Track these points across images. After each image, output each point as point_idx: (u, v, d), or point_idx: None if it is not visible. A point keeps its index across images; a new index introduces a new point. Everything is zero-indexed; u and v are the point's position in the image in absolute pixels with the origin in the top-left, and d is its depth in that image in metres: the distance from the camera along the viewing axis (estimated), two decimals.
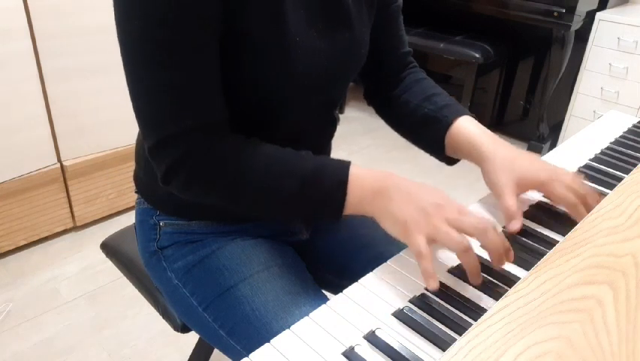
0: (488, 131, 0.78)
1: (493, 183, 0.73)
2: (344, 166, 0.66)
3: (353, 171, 0.66)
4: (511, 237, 0.69)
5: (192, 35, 0.61)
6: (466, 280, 0.61)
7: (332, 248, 0.90)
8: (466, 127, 0.79)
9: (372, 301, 0.58)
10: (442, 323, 0.55)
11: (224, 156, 0.65)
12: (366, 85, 0.94)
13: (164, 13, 0.59)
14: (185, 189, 0.67)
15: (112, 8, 0.64)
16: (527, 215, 0.74)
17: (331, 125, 0.87)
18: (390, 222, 0.63)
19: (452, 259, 0.64)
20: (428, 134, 0.84)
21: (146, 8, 0.59)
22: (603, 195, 0.76)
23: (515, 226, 0.68)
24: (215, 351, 1.19)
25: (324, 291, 0.78)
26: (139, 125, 0.67)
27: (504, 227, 0.71)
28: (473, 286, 0.61)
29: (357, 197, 0.65)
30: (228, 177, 0.66)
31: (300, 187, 0.65)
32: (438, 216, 0.61)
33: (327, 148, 0.90)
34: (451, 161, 0.85)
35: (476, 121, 0.81)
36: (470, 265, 0.59)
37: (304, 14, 0.69)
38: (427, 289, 0.60)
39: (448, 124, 0.80)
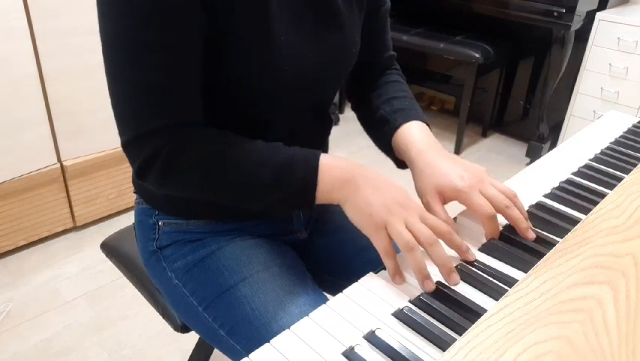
0: (428, 138, 0.77)
1: (417, 190, 0.73)
2: (314, 156, 0.67)
3: (323, 161, 0.66)
4: (511, 237, 0.69)
5: (172, 36, 0.62)
6: (465, 280, 0.61)
7: (331, 249, 0.90)
8: (408, 132, 0.78)
9: (372, 301, 0.58)
10: (442, 323, 0.55)
11: (197, 150, 0.66)
12: (347, 84, 0.94)
13: (144, 14, 0.60)
14: (159, 183, 0.68)
15: None
16: (527, 215, 0.73)
17: (326, 125, 0.87)
18: (355, 212, 0.65)
19: (451, 260, 0.64)
20: (380, 136, 0.85)
21: (127, 8, 0.60)
22: (603, 195, 0.76)
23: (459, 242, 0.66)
24: (215, 351, 1.19)
25: (324, 291, 0.78)
26: (115, 120, 0.67)
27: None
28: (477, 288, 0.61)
29: (328, 186, 0.66)
30: (201, 169, 0.66)
31: (272, 178, 0.65)
32: (398, 215, 0.62)
33: (323, 147, 0.90)
34: (401, 164, 0.83)
35: (425, 127, 0.79)
36: (415, 264, 0.60)
37: (291, 15, 0.69)
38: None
39: (395, 127, 0.80)
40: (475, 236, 0.69)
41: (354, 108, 0.95)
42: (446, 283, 0.60)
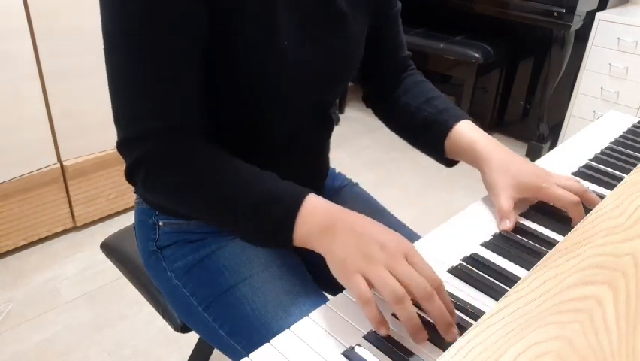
0: (486, 135, 0.80)
1: (491, 185, 0.75)
2: (299, 197, 0.62)
3: (307, 204, 0.61)
4: (511, 236, 0.69)
5: (168, 40, 0.62)
6: (467, 280, 0.61)
7: None
8: (465, 131, 0.80)
9: None
10: None
11: (184, 160, 0.65)
12: (365, 89, 0.95)
13: (140, 17, 0.60)
14: (145, 186, 0.68)
15: None
16: (527, 215, 0.74)
17: (327, 126, 0.88)
18: (332, 261, 0.58)
19: (452, 259, 0.64)
20: (428, 138, 0.85)
21: (124, 10, 0.60)
22: (603, 195, 0.76)
23: (506, 225, 0.70)
24: (215, 351, 1.19)
25: (324, 291, 0.78)
26: (113, 119, 0.67)
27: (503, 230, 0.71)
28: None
29: (305, 231, 0.61)
30: (184, 181, 0.65)
31: (252, 208, 0.62)
32: (377, 259, 0.54)
33: (324, 148, 0.90)
34: (450, 163, 0.86)
35: (474, 125, 0.82)
36: (405, 318, 0.51)
37: (296, 19, 0.69)
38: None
39: (447, 128, 0.81)
40: (475, 236, 0.69)
41: (378, 114, 0.94)
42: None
